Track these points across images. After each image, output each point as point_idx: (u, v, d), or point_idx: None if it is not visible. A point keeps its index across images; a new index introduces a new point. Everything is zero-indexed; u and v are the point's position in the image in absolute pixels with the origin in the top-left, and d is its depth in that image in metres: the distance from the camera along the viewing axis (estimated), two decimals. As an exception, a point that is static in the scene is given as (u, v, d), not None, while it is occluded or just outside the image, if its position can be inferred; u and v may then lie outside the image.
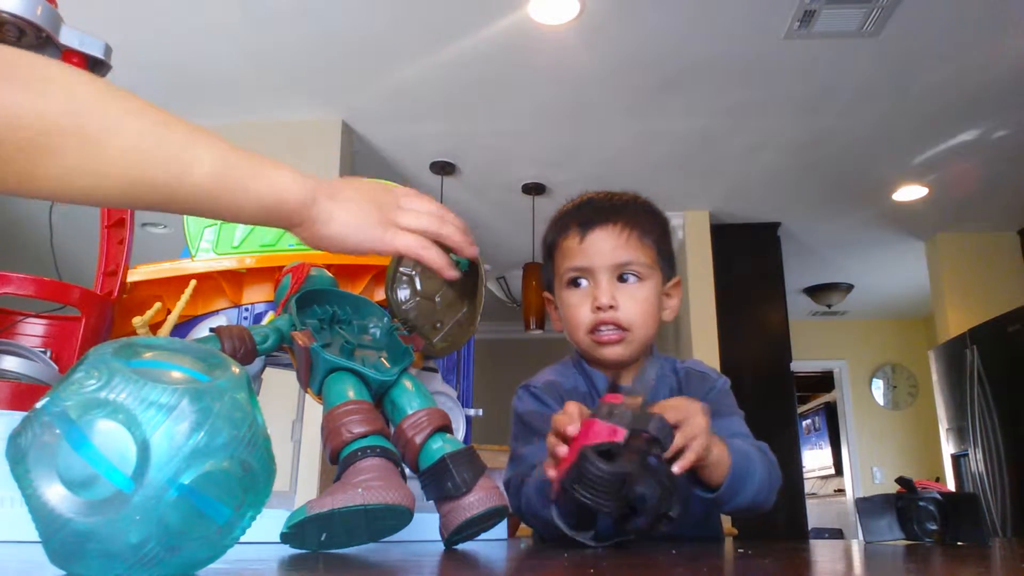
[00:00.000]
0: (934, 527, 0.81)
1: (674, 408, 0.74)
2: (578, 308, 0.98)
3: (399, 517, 0.63)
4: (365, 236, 0.61)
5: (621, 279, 0.98)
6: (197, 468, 0.35)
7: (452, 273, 0.68)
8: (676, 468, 0.70)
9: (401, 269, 0.86)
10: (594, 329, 0.97)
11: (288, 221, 0.58)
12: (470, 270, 0.84)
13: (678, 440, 0.71)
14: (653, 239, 1.01)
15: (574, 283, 0.99)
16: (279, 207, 0.56)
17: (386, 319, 0.82)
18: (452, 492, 0.67)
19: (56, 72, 0.48)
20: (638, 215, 1.01)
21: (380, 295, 0.94)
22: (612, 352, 0.98)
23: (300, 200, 0.57)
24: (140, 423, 0.35)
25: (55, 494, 0.34)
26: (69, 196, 0.49)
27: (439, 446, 0.69)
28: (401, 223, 0.63)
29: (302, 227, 0.59)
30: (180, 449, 0.35)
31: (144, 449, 0.35)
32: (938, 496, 0.82)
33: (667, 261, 1.03)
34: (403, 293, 0.86)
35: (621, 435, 0.66)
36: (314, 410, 0.82)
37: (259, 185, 0.55)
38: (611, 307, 0.96)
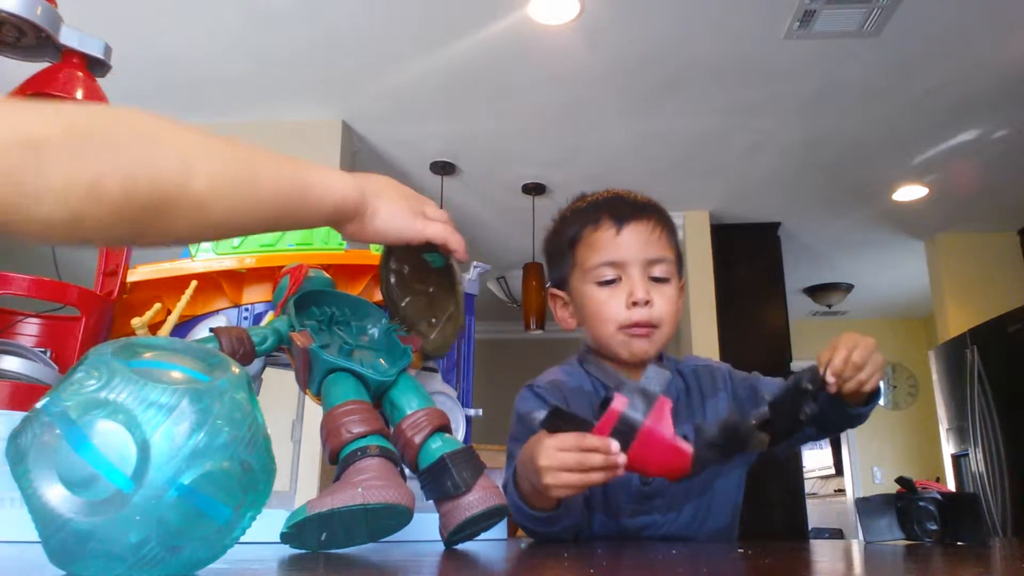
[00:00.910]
0: (934, 527, 0.81)
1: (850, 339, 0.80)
2: (609, 303, 0.97)
3: (399, 517, 0.63)
4: (403, 225, 0.68)
5: (651, 276, 0.97)
6: (197, 468, 0.35)
7: (465, 256, 0.75)
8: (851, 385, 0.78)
9: (392, 266, 0.85)
10: (627, 326, 0.96)
11: (346, 219, 0.64)
12: (445, 267, 0.83)
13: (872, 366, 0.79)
14: (675, 240, 1.02)
15: (604, 277, 0.97)
16: (343, 209, 0.63)
17: (384, 320, 0.82)
18: (452, 491, 0.67)
19: (165, 131, 0.50)
20: (663, 215, 1.02)
21: (379, 296, 0.94)
22: (642, 346, 0.96)
23: (356, 199, 0.64)
24: (140, 423, 0.35)
25: (55, 494, 0.34)
26: (174, 242, 0.53)
27: (438, 446, 0.69)
28: (428, 214, 0.70)
29: (353, 223, 0.65)
30: (180, 449, 0.35)
31: (144, 449, 0.35)
32: (938, 496, 0.82)
33: (680, 263, 1.03)
34: (397, 291, 0.85)
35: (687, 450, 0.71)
36: (314, 410, 0.82)
37: (325, 193, 0.61)
38: (647, 303, 0.95)
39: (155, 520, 0.35)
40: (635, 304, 0.95)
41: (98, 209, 0.44)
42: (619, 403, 0.69)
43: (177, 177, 0.48)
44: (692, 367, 1.06)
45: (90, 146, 0.44)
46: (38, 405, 0.36)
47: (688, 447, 0.70)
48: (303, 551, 0.62)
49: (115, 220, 0.45)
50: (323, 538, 0.61)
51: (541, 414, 0.72)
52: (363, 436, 0.66)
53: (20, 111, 0.43)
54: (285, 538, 0.62)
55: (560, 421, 0.71)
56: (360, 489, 0.60)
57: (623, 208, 0.99)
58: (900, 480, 0.87)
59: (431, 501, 0.71)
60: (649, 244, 0.97)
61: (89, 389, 0.36)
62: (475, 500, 0.68)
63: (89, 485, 0.34)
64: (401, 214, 0.67)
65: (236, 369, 0.41)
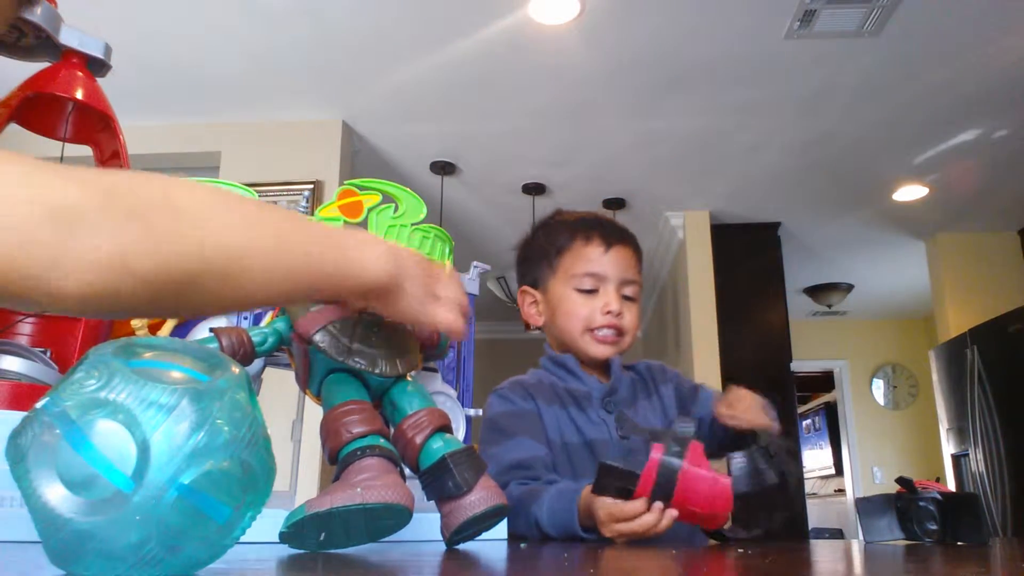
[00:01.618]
0: (934, 527, 0.81)
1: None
2: (584, 307, 1.11)
3: (398, 516, 0.63)
4: (420, 311, 0.66)
5: (623, 295, 1.12)
6: (197, 468, 0.35)
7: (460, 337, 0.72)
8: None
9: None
10: (596, 329, 1.11)
11: (376, 297, 0.63)
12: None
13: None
14: (641, 269, 1.18)
15: (584, 286, 1.12)
16: (375, 289, 0.61)
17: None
18: (453, 491, 0.67)
19: (204, 202, 0.48)
20: (639, 247, 1.18)
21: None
22: (606, 350, 1.11)
23: (388, 281, 0.62)
24: (140, 423, 0.35)
25: (55, 494, 0.34)
26: (207, 314, 0.52)
27: (439, 446, 0.69)
28: (441, 296, 0.69)
29: (380, 300, 0.63)
30: (180, 449, 0.35)
31: (144, 449, 0.35)
32: (938, 496, 0.82)
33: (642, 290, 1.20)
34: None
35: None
36: (314, 410, 0.82)
37: (360, 272, 0.59)
38: (619, 314, 1.10)
39: (155, 520, 0.35)
40: (608, 313, 1.10)
41: (131, 282, 0.42)
42: (657, 452, 0.76)
43: (210, 252, 0.47)
44: (645, 364, 1.21)
45: (124, 218, 0.42)
46: (38, 405, 0.36)
47: (726, 478, 0.76)
48: (302, 551, 0.62)
49: (148, 293, 0.43)
50: (322, 538, 0.61)
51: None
52: (363, 436, 0.66)
53: (52, 177, 0.40)
54: (284, 538, 0.62)
55: (608, 478, 0.77)
56: (359, 489, 0.60)
57: (613, 232, 1.15)
58: (900, 480, 0.87)
59: (431, 501, 0.71)
60: (628, 268, 1.13)
61: (89, 389, 0.36)
62: (477, 500, 0.68)
63: (89, 485, 0.34)
64: (422, 299, 0.66)
65: (236, 369, 0.41)
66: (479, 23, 2.74)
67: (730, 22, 2.73)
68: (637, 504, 0.77)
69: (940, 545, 0.79)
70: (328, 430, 0.67)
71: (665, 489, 0.75)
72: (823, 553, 0.74)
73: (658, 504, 0.76)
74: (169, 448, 0.35)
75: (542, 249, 1.18)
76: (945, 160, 3.75)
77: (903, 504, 0.84)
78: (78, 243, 0.39)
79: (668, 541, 0.81)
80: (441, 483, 0.68)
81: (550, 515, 0.89)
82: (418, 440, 0.69)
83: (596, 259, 1.12)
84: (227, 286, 0.48)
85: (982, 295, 4.41)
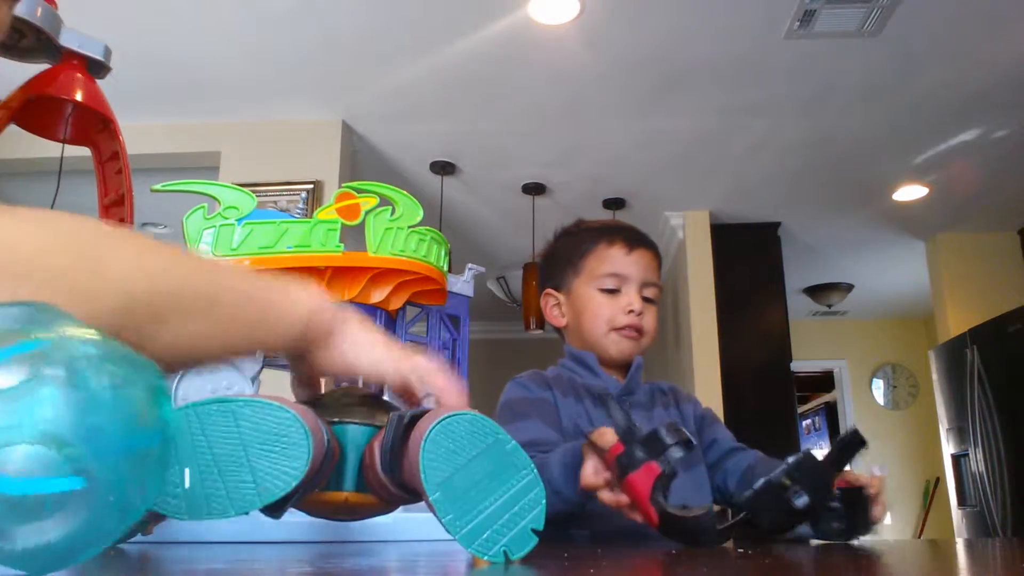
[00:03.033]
0: (840, 525, 0.81)
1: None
2: (607, 307, 1.15)
3: (283, 431, 0.47)
4: (381, 355, 0.58)
5: (643, 296, 1.16)
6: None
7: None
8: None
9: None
10: (620, 328, 1.15)
11: (318, 339, 0.57)
12: None
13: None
14: (661, 275, 1.21)
15: (607, 285, 1.15)
16: (314, 326, 0.56)
17: None
18: (398, 431, 0.53)
19: (113, 250, 0.45)
20: (659, 252, 1.22)
21: (377, 297, 0.94)
22: (629, 347, 1.16)
23: (327, 318, 0.57)
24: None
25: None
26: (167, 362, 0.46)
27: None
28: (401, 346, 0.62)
29: (323, 347, 0.57)
30: None
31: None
32: (837, 492, 0.80)
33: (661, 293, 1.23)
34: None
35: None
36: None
37: (292, 307, 0.55)
38: (640, 314, 1.15)
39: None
40: (631, 312, 1.14)
41: None
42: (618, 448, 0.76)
43: (113, 300, 0.43)
44: (670, 385, 1.25)
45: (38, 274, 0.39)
46: None
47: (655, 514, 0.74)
48: (299, 555, 0.62)
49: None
50: (187, 484, 0.44)
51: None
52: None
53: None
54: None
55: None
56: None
57: (635, 236, 1.20)
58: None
59: (422, 502, 0.61)
60: (648, 270, 1.17)
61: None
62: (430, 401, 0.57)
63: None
64: (379, 345, 0.58)
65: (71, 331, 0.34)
66: (479, 23, 2.75)
67: (730, 22, 2.73)
68: (587, 474, 0.78)
69: (842, 541, 0.79)
70: None
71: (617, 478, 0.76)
72: (823, 553, 0.74)
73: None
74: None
75: (566, 253, 1.22)
76: (945, 160, 3.75)
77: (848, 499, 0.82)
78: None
79: (668, 541, 0.81)
80: (395, 433, 0.54)
81: (561, 466, 0.88)
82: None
83: (619, 260, 1.16)
84: (146, 337, 0.44)
85: (982, 295, 4.41)
